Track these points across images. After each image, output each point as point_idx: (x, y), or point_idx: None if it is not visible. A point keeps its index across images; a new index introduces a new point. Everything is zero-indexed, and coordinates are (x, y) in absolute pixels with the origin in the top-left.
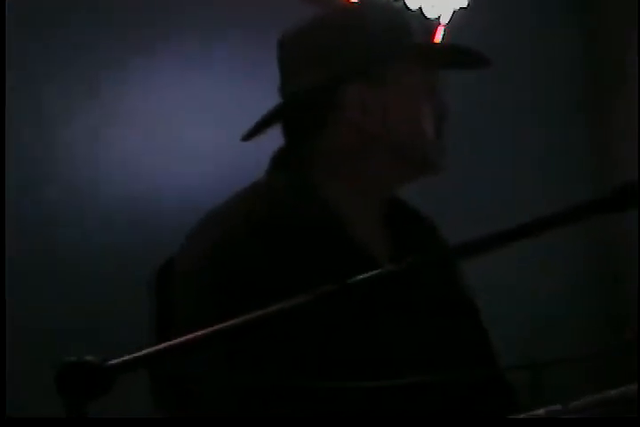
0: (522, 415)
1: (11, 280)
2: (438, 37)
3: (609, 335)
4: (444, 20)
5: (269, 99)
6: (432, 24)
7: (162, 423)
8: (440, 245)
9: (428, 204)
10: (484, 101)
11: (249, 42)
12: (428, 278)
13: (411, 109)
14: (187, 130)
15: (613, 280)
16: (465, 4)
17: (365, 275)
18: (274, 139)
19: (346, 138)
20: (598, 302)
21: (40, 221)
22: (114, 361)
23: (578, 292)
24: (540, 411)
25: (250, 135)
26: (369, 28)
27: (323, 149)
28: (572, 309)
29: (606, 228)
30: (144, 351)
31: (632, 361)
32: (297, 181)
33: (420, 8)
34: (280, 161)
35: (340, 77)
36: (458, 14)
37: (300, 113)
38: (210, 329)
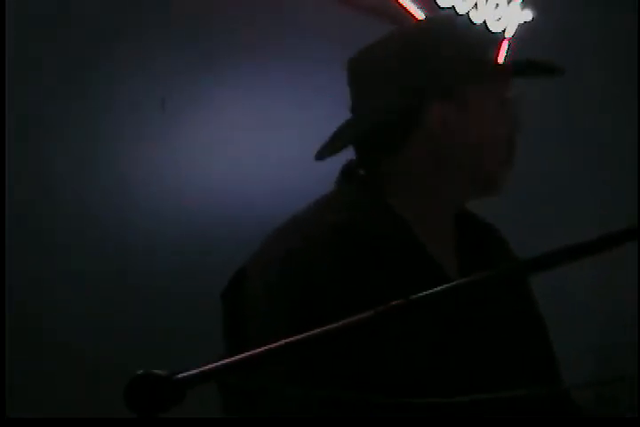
0: None
1: (85, 300)
2: (503, 51)
3: None
4: (509, 33)
5: (335, 117)
6: (498, 37)
7: (172, 424)
8: (510, 258)
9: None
10: (541, 118)
11: (320, 60)
12: (499, 293)
13: (488, 129)
14: (251, 146)
15: None
16: (530, 18)
17: (435, 289)
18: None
19: (423, 155)
20: None
21: (113, 238)
22: (183, 374)
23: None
24: None
25: (325, 154)
26: (451, 45)
27: (398, 164)
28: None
29: None
30: (214, 364)
31: None
32: (371, 197)
33: (485, 22)
34: (352, 176)
35: (423, 95)
36: (522, 27)
37: (381, 133)
38: (283, 342)
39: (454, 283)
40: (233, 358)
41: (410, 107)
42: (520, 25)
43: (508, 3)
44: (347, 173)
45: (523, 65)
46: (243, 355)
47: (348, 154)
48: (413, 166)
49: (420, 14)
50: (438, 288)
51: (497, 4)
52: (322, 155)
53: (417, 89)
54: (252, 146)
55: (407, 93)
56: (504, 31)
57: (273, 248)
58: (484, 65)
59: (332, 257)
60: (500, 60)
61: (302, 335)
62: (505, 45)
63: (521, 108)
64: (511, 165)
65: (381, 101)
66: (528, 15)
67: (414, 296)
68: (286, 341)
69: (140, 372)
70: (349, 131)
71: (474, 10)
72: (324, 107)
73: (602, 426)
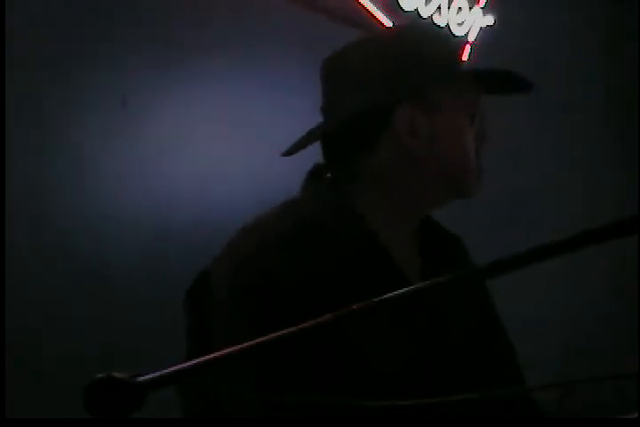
0: None
1: (38, 295)
2: (465, 55)
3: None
4: (471, 37)
5: (307, 117)
6: (462, 42)
7: (164, 424)
8: (468, 264)
9: (458, 223)
10: (511, 119)
11: (288, 59)
12: (457, 297)
13: (457, 133)
14: (220, 145)
15: None
16: (491, 22)
17: (396, 292)
18: (305, 156)
19: (392, 158)
20: (629, 319)
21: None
22: (143, 377)
23: (608, 308)
24: None
25: (291, 151)
26: (418, 50)
27: (366, 166)
28: (605, 325)
29: (630, 244)
30: (175, 367)
31: None
32: (337, 198)
33: (448, 25)
34: (318, 178)
35: (393, 97)
36: (484, 32)
37: (349, 132)
38: (244, 345)
39: (415, 286)
40: (194, 362)
41: (379, 108)
42: (482, 29)
43: (471, 7)
44: (313, 174)
45: (491, 73)
46: (204, 358)
47: (318, 157)
48: (381, 168)
49: (383, 18)
50: (399, 291)
51: (459, 8)
52: (289, 152)
53: (387, 90)
54: (216, 144)
55: (377, 94)
56: (466, 35)
57: (236, 250)
58: (453, 69)
59: (293, 259)
60: (470, 66)
61: (263, 338)
62: (467, 49)
63: (487, 114)
64: (480, 170)
65: (352, 101)
66: (490, 19)
67: (375, 299)
68: (247, 344)
69: (99, 375)
70: (318, 130)
71: (437, 13)
72: (294, 106)
73: (602, 426)
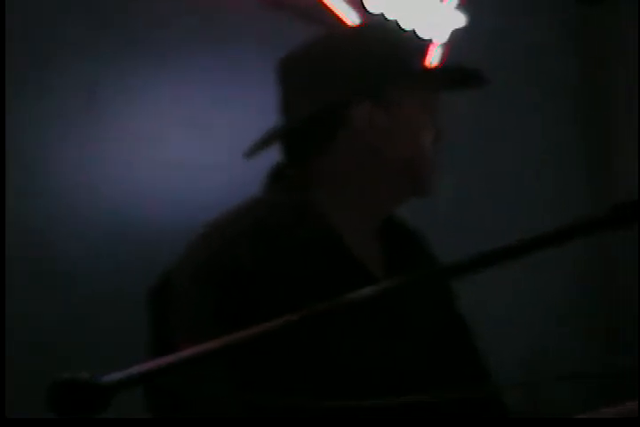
0: None
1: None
2: (431, 56)
3: (606, 353)
4: (440, 39)
5: (268, 116)
6: (425, 43)
7: (162, 424)
8: (431, 262)
9: (421, 219)
10: (479, 117)
11: (249, 60)
12: (419, 295)
13: (415, 131)
14: (183, 146)
15: (610, 297)
16: (463, 24)
17: (361, 291)
18: (271, 155)
19: (351, 156)
20: (596, 319)
21: (34, 232)
22: (109, 378)
23: (575, 309)
24: None
25: (253, 153)
26: (377, 49)
27: (326, 166)
28: (570, 325)
29: (603, 246)
30: (141, 367)
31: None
32: (298, 197)
33: (415, 28)
34: (279, 177)
35: (351, 95)
36: (456, 33)
37: (307, 131)
38: (208, 345)
39: (380, 285)
40: (159, 361)
41: (338, 106)
42: (452, 31)
43: (440, 9)
44: (274, 173)
45: (448, 71)
46: (169, 358)
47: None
48: (341, 166)
49: (349, 20)
50: (364, 290)
51: (428, 11)
52: (250, 153)
53: (345, 89)
54: (179, 145)
55: (336, 93)
56: (435, 37)
57: (198, 250)
58: (412, 68)
59: (256, 258)
60: (430, 65)
61: (228, 338)
62: (436, 51)
63: (444, 112)
64: (436, 168)
65: (310, 100)
66: (460, 21)
67: (339, 299)
68: (212, 344)
69: (62, 376)
70: (276, 130)
71: (404, 16)
72: (258, 104)
73: (602, 426)
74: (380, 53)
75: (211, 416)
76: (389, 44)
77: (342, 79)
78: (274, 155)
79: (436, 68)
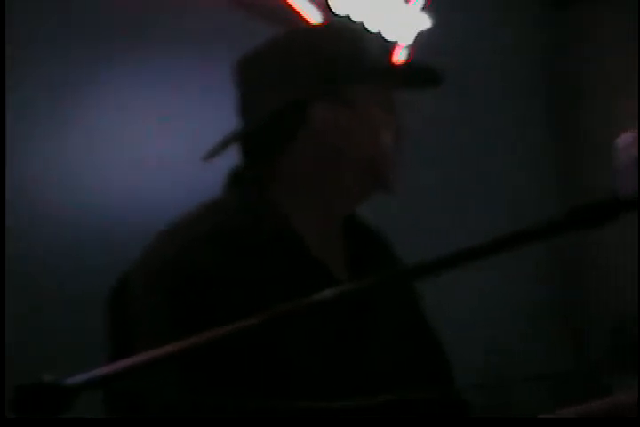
0: None
1: None
2: (397, 57)
3: (569, 353)
4: (406, 41)
5: (232, 115)
6: (391, 45)
7: (162, 424)
8: (393, 262)
9: (385, 220)
10: (444, 117)
11: (214, 59)
12: (382, 296)
13: (376, 129)
14: (149, 144)
15: (574, 298)
16: (428, 26)
17: (323, 293)
18: (234, 155)
19: (312, 156)
20: (559, 320)
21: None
22: (71, 380)
23: (539, 310)
24: None
25: (212, 155)
26: (335, 48)
27: (286, 166)
28: (533, 326)
29: (568, 245)
30: (102, 370)
31: (590, 379)
32: (258, 198)
33: (381, 30)
34: (239, 178)
35: (310, 95)
36: (422, 35)
37: (267, 132)
38: (168, 348)
39: (343, 287)
40: (120, 364)
41: (297, 106)
42: (418, 33)
43: (405, 11)
44: (234, 174)
45: (405, 69)
46: (130, 361)
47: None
48: (302, 166)
49: (315, 21)
50: (326, 292)
51: (393, 13)
52: (210, 155)
53: (304, 89)
54: (144, 143)
55: (295, 92)
56: (401, 39)
57: (157, 253)
58: (373, 67)
59: (217, 261)
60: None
61: (188, 341)
62: (401, 53)
63: (406, 111)
64: (399, 165)
65: (268, 100)
66: (425, 23)
67: (301, 300)
68: (172, 347)
69: (26, 379)
70: (235, 131)
71: (369, 18)
72: (222, 105)
73: (602, 426)
74: (340, 52)
75: (170, 419)
76: (349, 43)
77: (302, 78)
78: (235, 155)
79: (395, 67)
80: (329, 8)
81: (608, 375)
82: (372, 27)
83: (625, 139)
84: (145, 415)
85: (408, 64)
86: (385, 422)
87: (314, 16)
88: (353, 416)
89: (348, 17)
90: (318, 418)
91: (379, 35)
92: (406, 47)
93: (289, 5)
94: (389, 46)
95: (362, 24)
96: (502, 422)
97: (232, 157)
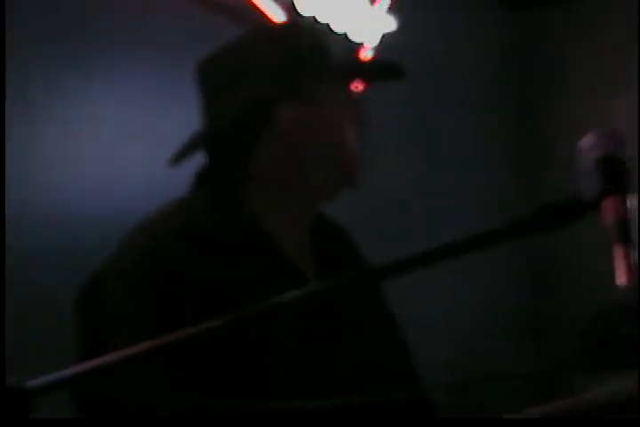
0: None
1: None
2: (363, 57)
3: (536, 353)
4: (371, 43)
5: (197, 116)
6: (357, 46)
7: (162, 424)
8: (360, 262)
9: (352, 220)
10: (407, 116)
11: (177, 59)
12: (349, 296)
13: (339, 126)
14: (117, 144)
15: (540, 297)
16: (393, 28)
17: (293, 293)
18: (201, 155)
19: (278, 155)
20: (526, 319)
21: None
22: (35, 382)
23: (506, 309)
24: None
25: (178, 159)
26: (298, 46)
27: (253, 166)
28: (499, 326)
29: (533, 246)
30: (68, 371)
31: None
32: (227, 197)
33: (346, 31)
34: (206, 177)
35: (274, 95)
36: (387, 36)
37: (232, 133)
38: (138, 347)
39: (312, 287)
40: (87, 365)
41: (260, 106)
42: (384, 35)
43: (371, 13)
44: (200, 175)
45: (367, 66)
46: (100, 360)
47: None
48: (268, 167)
49: (277, 19)
50: (296, 292)
51: (359, 14)
52: (175, 160)
53: (268, 88)
54: (109, 144)
55: (257, 93)
56: (366, 41)
57: (130, 250)
58: (336, 66)
59: (184, 260)
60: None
61: (161, 340)
62: (367, 54)
63: (368, 109)
64: (362, 163)
65: (232, 101)
66: (391, 25)
67: (269, 300)
68: (145, 345)
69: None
70: (200, 134)
71: (335, 19)
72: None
73: (602, 426)
74: (303, 50)
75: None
76: (312, 41)
77: (265, 77)
78: (202, 156)
79: (357, 64)
80: (295, 9)
81: (575, 375)
82: (337, 28)
83: (587, 141)
84: (117, 415)
85: (369, 62)
86: (352, 422)
87: (279, 17)
88: (320, 417)
89: (313, 18)
90: (285, 418)
91: (344, 36)
92: (372, 48)
93: (254, 6)
94: (355, 47)
95: (327, 25)
96: (467, 422)
97: (200, 157)
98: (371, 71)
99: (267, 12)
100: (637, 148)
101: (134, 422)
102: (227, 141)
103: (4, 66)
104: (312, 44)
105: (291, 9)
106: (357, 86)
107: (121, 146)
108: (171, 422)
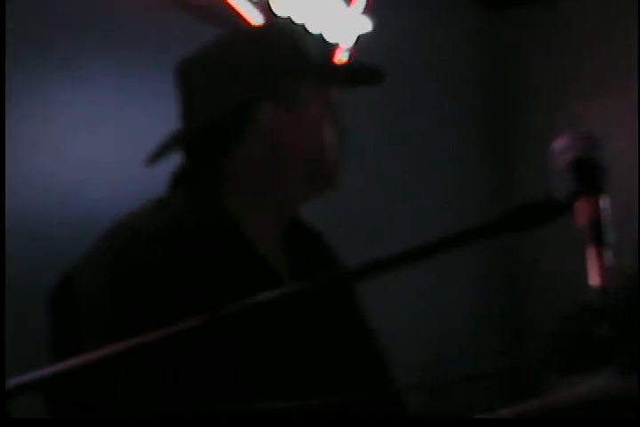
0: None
1: None
2: (339, 58)
3: (508, 353)
4: (347, 43)
5: (175, 115)
6: (332, 46)
7: (162, 423)
8: (334, 264)
9: (324, 222)
10: (382, 117)
11: (154, 60)
12: (322, 297)
13: (318, 128)
14: (91, 143)
15: (513, 297)
16: (369, 29)
17: (261, 295)
18: (179, 155)
19: (257, 156)
20: (498, 320)
21: None
22: (7, 384)
23: (477, 310)
24: None
25: (155, 159)
26: (279, 48)
27: (233, 166)
28: (472, 327)
29: (507, 245)
30: (43, 371)
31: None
32: (203, 196)
33: (322, 32)
34: (184, 177)
35: (254, 96)
36: (363, 37)
37: (212, 133)
38: (113, 348)
39: (287, 288)
40: (64, 365)
41: (240, 107)
42: (360, 35)
43: (347, 13)
44: (178, 175)
45: (346, 69)
46: (75, 360)
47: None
48: (247, 167)
49: (257, 23)
50: (271, 293)
51: (335, 15)
52: (152, 160)
53: (248, 90)
54: (90, 145)
55: (238, 94)
56: (342, 41)
57: (103, 251)
58: (317, 68)
59: (161, 260)
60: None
61: (138, 340)
62: (343, 55)
63: (346, 112)
64: (343, 165)
65: (212, 102)
66: (366, 26)
67: (245, 301)
68: (121, 345)
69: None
70: (178, 135)
71: (311, 20)
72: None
73: (602, 426)
74: (284, 52)
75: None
76: (293, 43)
77: (246, 79)
78: (180, 156)
79: (332, 67)
80: (270, 9)
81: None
82: (313, 28)
83: (561, 142)
84: (89, 415)
85: (351, 64)
86: (324, 423)
87: (255, 17)
88: (292, 418)
89: (289, 18)
90: (259, 419)
91: (320, 36)
92: (347, 49)
93: (230, 7)
94: (331, 48)
95: (303, 26)
96: (440, 423)
97: (177, 158)
98: (350, 74)
99: (242, 12)
100: (637, 147)
101: (112, 423)
102: (205, 142)
103: (4, 66)
104: (292, 46)
105: (266, 9)
106: (336, 88)
107: (94, 146)
108: (144, 423)
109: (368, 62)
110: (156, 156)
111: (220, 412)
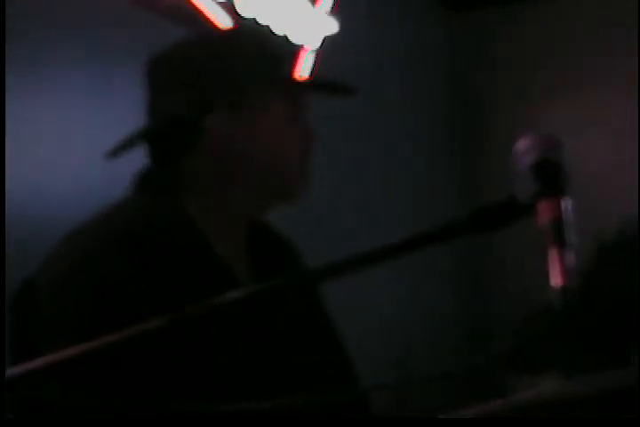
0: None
1: None
2: (302, 61)
3: (470, 353)
4: (312, 45)
5: (136, 116)
6: (296, 49)
7: (162, 423)
8: (299, 267)
9: (292, 227)
10: (349, 126)
11: (118, 59)
12: (286, 298)
13: (275, 138)
14: (50, 145)
15: (475, 298)
16: (335, 30)
17: (225, 296)
18: (139, 157)
19: (214, 160)
20: (461, 320)
21: None
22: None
23: (440, 310)
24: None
25: (115, 153)
26: (241, 54)
27: (191, 169)
28: (435, 326)
29: (470, 245)
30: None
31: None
32: (164, 200)
33: (287, 33)
34: (146, 181)
35: (204, 104)
36: (329, 39)
37: (169, 134)
38: (71, 350)
39: (246, 289)
40: (22, 368)
41: (193, 115)
42: (325, 37)
43: (312, 15)
44: (141, 175)
45: (314, 84)
46: (33, 364)
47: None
48: (205, 170)
49: (221, 23)
50: (230, 294)
51: (300, 16)
52: (113, 153)
53: (204, 93)
54: (48, 146)
55: (194, 97)
56: (307, 43)
57: (65, 255)
58: (279, 74)
59: (121, 263)
60: (302, 71)
61: (96, 343)
62: (307, 57)
63: (313, 122)
64: (308, 176)
65: (171, 103)
66: (332, 28)
67: (208, 302)
68: (80, 348)
69: None
70: (140, 131)
71: (276, 21)
72: (127, 106)
73: (602, 426)
74: (246, 62)
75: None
76: (256, 53)
77: (200, 84)
78: (140, 156)
79: (300, 80)
80: (235, 10)
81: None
82: (278, 30)
83: (523, 144)
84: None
85: (314, 79)
86: (289, 423)
87: (220, 18)
88: (257, 418)
89: (254, 19)
90: (222, 419)
91: (285, 38)
92: (312, 51)
93: (196, 7)
94: (295, 50)
95: (268, 27)
96: (402, 422)
97: (136, 158)
98: (314, 89)
99: (207, 13)
100: (637, 147)
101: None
102: (163, 143)
103: (4, 66)
104: (256, 56)
105: (231, 10)
106: (302, 101)
107: (52, 146)
108: (104, 424)
109: (334, 78)
110: (118, 149)
111: (182, 413)
